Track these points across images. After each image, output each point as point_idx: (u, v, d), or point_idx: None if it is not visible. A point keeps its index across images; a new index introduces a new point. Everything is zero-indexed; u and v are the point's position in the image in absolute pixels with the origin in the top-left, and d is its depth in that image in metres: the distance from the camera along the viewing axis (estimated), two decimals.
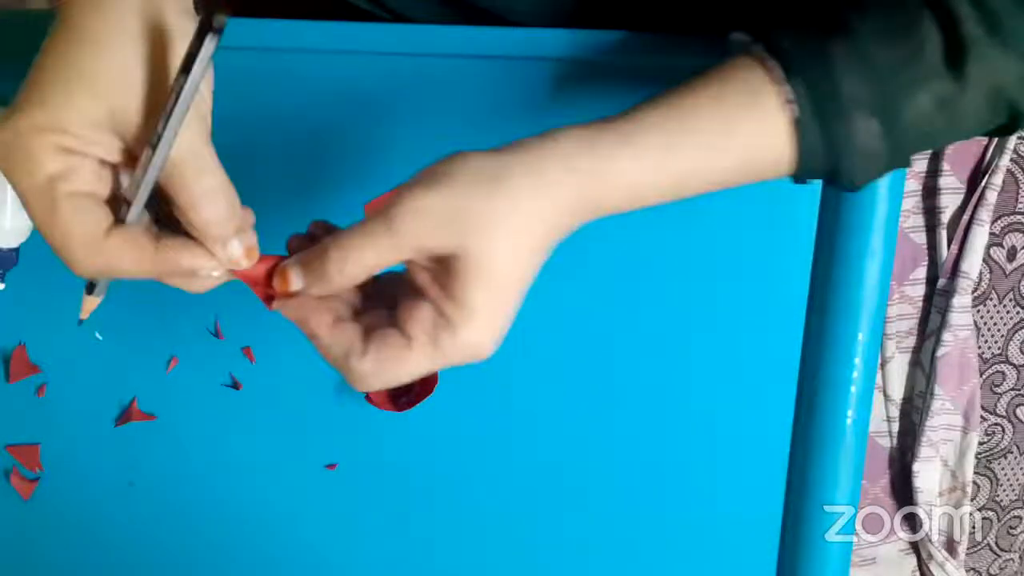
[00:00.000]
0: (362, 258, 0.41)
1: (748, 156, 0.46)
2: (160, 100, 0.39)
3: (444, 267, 0.41)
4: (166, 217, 0.43)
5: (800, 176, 0.47)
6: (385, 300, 0.44)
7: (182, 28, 0.41)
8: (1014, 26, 0.43)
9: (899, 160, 0.46)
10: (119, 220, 0.41)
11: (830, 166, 0.45)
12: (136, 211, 0.41)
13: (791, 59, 0.44)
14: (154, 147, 0.39)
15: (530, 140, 0.43)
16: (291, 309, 0.44)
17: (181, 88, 0.38)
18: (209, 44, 0.38)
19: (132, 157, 0.41)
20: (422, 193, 0.40)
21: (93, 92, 0.39)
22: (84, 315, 0.47)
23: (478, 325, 0.41)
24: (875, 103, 0.44)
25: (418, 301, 0.42)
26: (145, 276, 0.43)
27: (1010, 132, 0.48)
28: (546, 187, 0.42)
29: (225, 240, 0.43)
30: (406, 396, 0.60)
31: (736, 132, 0.45)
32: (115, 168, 0.42)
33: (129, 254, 0.41)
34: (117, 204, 0.42)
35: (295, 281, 0.44)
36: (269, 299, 0.45)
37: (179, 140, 0.39)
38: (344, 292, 0.44)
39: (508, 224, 0.41)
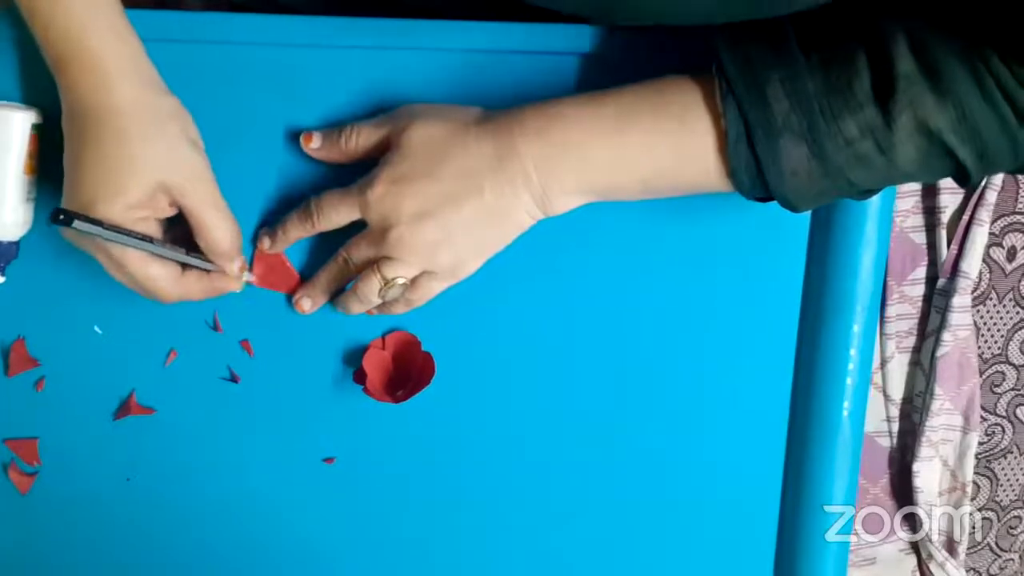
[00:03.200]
0: (327, 207, 0.58)
1: (680, 167, 0.51)
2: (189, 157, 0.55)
3: None
4: (186, 241, 0.57)
5: (742, 193, 0.51)
6: None
7: (172, 103, 0.55)
8: (952, 81, 0.46)
9: (840, 183, 0.49)
10: None
11: (763, 186, 0.49)
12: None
13: (730, 81, 0.48)
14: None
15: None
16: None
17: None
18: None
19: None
20: None
21: (141, 175, 0.53)
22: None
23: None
24: (802, 127, 0.47)
25: None
26: (201, 298, 0.58)
27: (964, 181, 0.50)
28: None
29: (231, 258, 0.57)
30: (403, 388, 0.60)
31: (669, 139, 0.51)
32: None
33: (197, 284, 0.57)
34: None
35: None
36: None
37: (194, 189, 0.55)
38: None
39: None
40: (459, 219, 0.53)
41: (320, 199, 0.57)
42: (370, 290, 0.56)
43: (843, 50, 0.48)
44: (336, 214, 0.56)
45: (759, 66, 0.48)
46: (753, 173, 0.49)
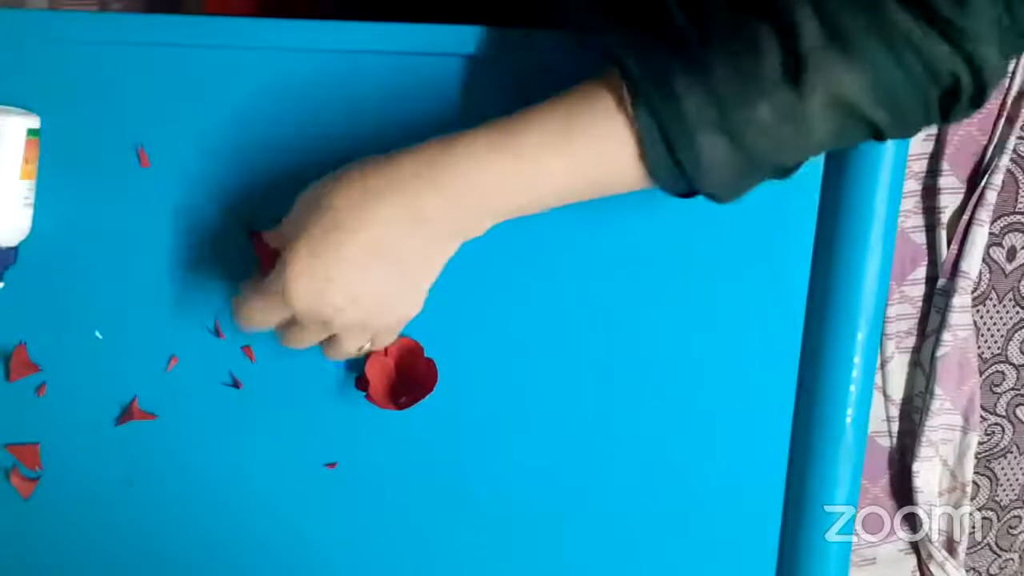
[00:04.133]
0: (256, 315, 0.55)
1: (599, 177, 0.50)
2: None
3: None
4: None
5: (668, 192, 0.50)
6: None
7: None
8: (860, 42, 0.45)
9: (760, 170, 0.48)
10: None
11: (685, 184, 0.48)
12: None
13: (637, 84, 0.47)
14: None
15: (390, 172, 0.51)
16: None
17: None
18: None
19: None
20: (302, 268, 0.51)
21: None
22: None
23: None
24: (718, 120, 0.46)
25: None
26: None
27: (879, 140, 0.49)
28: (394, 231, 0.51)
29: None
30: (405, 395, 0.60)
31: (584, 154, 0.49)
32: None
33: None
34: None
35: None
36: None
37: None
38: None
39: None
40: (392, 288, 0.52)
41: (242, 305, 0.55)
42: (336, 357, 0.56)
43: (747, 29, 0.46)
44: (266, 319, 0.55)
45: (663, 63, 0.46)
46: (676, 174, 0.48)
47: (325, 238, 0.50)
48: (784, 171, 0.50)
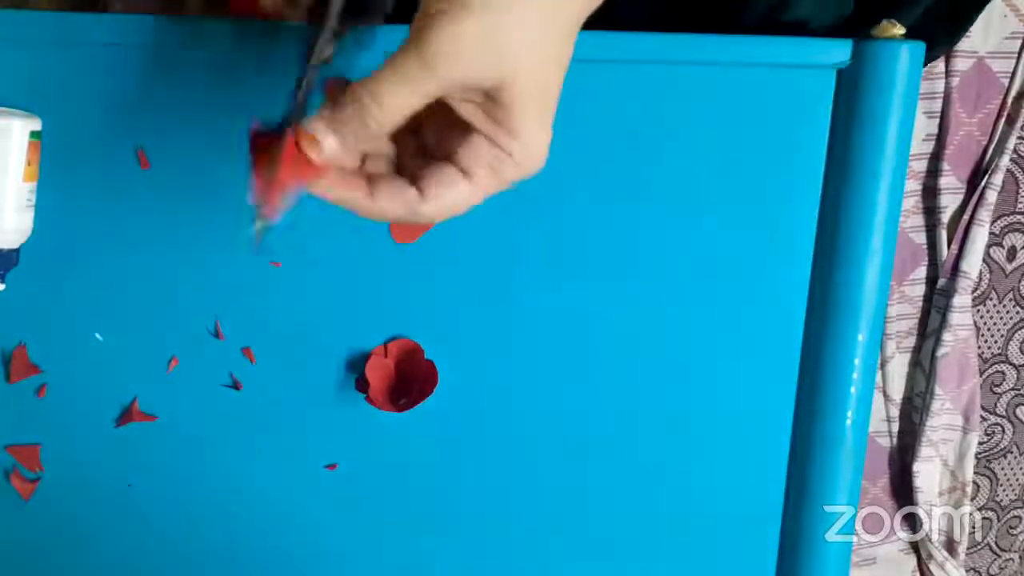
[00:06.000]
0: (397, 100, 0.37)
1: None
2: None
3: (491, 98, 0.38)
4: None
5: None
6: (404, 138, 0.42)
7: None
8: None
9: None
10: None
11: None
12: None
13: None
14: None
15: None
16: (328, 190, 0.40)
17: None
18: None
19: None
20: (458, 19, 0.36)
21: None
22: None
23: (535, 148, 0.40)
24: None
25: (470, 136, 0.39)
26: None
27: None
28: None
29: None
30: (405, 397, 0.60)
31: None
32: None
33: None
34: None
35: (328, 143, 0.39)
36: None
37: None
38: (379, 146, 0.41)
39: (544, 42, 0.38)
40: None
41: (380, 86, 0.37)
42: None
43: None
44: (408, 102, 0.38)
45: None
46: None
47: (535, 94, 0.38)
48: None
